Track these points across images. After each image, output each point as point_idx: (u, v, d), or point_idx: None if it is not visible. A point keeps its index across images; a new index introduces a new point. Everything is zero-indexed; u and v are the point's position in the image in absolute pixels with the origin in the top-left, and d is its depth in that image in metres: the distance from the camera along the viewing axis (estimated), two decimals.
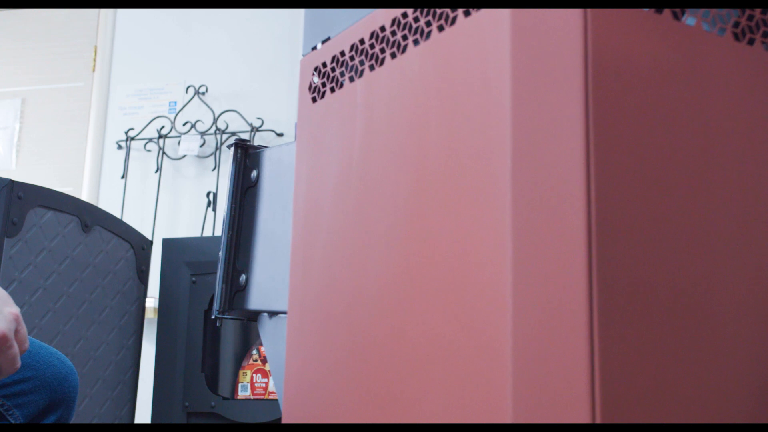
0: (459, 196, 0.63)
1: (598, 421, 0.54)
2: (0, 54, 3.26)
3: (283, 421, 0.81)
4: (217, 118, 2.87)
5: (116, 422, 1.87)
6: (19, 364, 0.89)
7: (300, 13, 2.86)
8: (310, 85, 0.85)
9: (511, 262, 0.57)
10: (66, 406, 1.07)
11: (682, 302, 0.60)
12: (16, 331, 0.90)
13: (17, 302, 1.62)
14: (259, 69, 2.92)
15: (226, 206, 1.01)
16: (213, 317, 0.97)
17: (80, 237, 1.78)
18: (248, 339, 1.99)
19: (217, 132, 2.86)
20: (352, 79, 0.78)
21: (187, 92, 2.95)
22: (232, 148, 1.01)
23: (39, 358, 1.06)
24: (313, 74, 0.85)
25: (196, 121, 2.89)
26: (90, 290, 1.82)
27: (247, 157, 1.01)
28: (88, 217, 1.79)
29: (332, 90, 0.81)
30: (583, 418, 0.54)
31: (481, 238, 0.60)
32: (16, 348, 0.89)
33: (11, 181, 1.58)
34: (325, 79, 0.82)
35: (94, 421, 1.80)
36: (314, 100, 0.84)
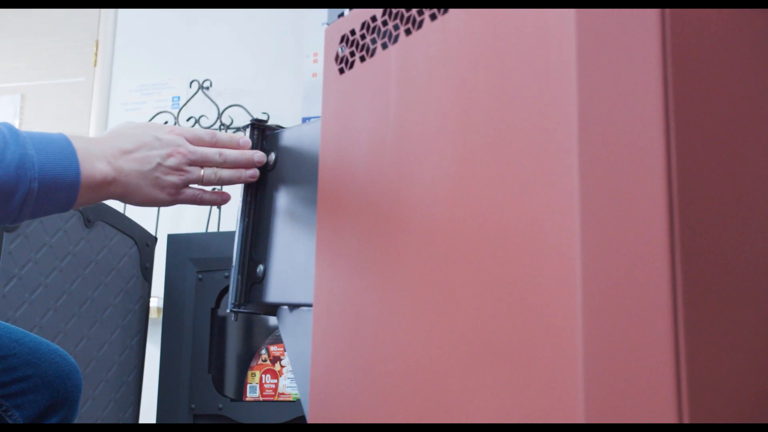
0: (515, 164, 0.56)
1: (685, 420, 0.47)
2: None
3: (309, 421, 0.74)
4: (222, 113, 2.80)
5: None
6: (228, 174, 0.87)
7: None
8: (336, 56, 0.78)
9: (579, 240, 0.50)
10: (69, 406, 1.00)
11: None
12: (192, 162, 0.85)
13: (16, 300, 1.56)
14: (265, 63, 2.85)
15: (242, 192, 0.94)
16: (228, 311, 0.90)
17: (82, 232, 1.72)
18: (257, 338, 1.92)
19: (222, 127, 2.79)
20: (385, 46, 0.71)
21: (190, 87, 2.88)
22: (248, 129, 0.94)
23: (39, 355, 0.99)
24: (340, 44, 0.78)
25: (200, 117, 2.83)
26: (92, 288, 1.76)
27: (263, 139, 0.94)
28: (91, 212, 1.73)
29: (362, 59, 0.74)
30: (668, 417, 0.47)
31: (544, 213, 0.53)
32: (188, 193, 0.86)
33: None
34: (353, 48, 0.75)
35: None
36: (341, 71, 0.77)
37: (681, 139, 0.51)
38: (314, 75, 2.79)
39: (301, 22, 2.83)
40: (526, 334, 0.53)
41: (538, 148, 0.54)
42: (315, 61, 2.80)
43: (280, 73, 2.82)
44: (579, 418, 0.49)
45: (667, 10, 0.52)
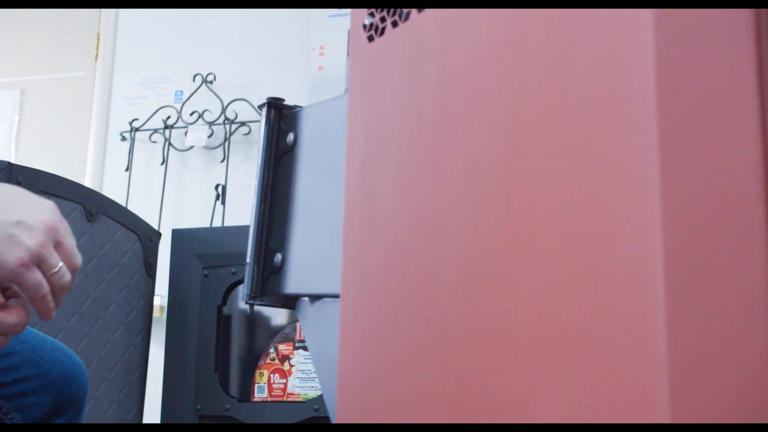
0: (578, 136, 0.49)
1: None
2: None
3: (337, 421, 0.67)
4: (226, 107, 2.75)
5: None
6: (52, 306, 0.68)
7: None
8: (364, 26, 0.72)
9: (660, 219, 0.44)
10: (74, 409, 0.94)
11: None
12: (57, 245, 0.68)
13: None
14: (270, 56, 2.79)
15: (257, 176, 0.88)
16: (244, 303, 0.84)
17: (84, 226, 1.66)
18: (265, 336, 1.86)
19: (226, 122, 2.73)
20: (420, 8, 0.64)
21: (194, 81, 2.83)
22: (265, 108, 0.88)
23: (43, 354, 0.92)
24: (369, 11, 0.71)
25: (203, 111, 2.77)
26: (95, 284, 1.70)
27: (281, 119, 0.88)
28: (93, 205, 1.67)
29: (394, 24, 0.68)
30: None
31: (614, 192, 0.47)
32: (37, 276, 0.66)
33: (9, 163, 1.46)
34: (384, 13, 0.69)
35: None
36: (371, 39, 0.71)
37: None
38: (320, 68, 2.73)
39: (308, 15, 2.77)
40: (598, 321, 0.47)
41: (609, 133, 0.48)
42: (321, 54, 2.74)
43: (286, 67, 2.76)
44: (663, 418, 0.42)
45: (763, 11, 0.45)
